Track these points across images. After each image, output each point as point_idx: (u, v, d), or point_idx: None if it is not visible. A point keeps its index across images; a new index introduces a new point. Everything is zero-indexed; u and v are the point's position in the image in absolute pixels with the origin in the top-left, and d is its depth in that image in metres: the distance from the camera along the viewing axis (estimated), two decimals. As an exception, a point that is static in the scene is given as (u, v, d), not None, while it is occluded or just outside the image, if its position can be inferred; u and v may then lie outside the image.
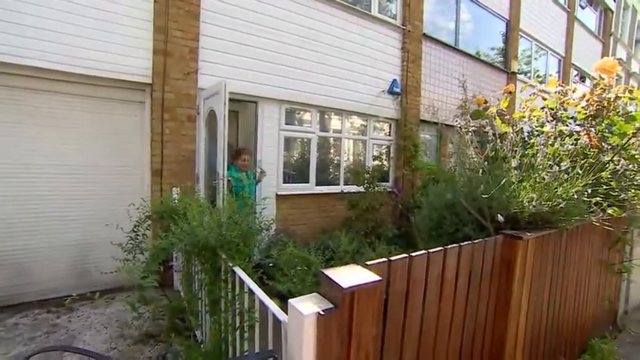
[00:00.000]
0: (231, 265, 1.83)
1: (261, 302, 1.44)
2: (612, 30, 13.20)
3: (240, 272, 1.72)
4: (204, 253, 2.03)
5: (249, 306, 1.62)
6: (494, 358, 1.98)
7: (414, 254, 1.36)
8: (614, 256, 3.30)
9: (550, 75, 10.91)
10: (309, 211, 5.20)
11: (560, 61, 11.17)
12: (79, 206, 3.60)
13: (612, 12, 13.19)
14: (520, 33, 9.18)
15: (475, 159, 2.14)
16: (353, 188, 5.43)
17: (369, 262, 1.20)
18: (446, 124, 6.18)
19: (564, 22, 10.94)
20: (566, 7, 10.88)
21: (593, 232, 2.73)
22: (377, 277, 1.08)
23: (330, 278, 1.05)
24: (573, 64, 11.32)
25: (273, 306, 1.35)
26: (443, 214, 2.39)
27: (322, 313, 0.98)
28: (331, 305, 1.02)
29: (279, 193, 4.85)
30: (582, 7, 11.93)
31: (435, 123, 6.59)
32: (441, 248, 1.49)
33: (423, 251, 1.41)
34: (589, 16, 12.48)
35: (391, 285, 1.30)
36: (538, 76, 8.84)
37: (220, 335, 2.05)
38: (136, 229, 2.77)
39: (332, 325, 1.01)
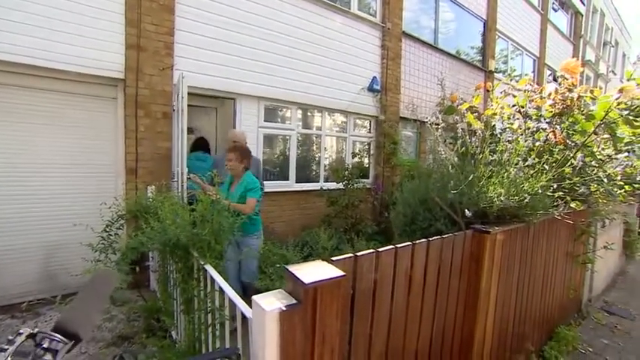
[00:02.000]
0: (202, 263, 1.81)
1: (230, 300, 1.43)
2: (582, 32, 13.73)
3: (211, 270, 1.70)
4: (176, 252, 1.99)
5: (220, 304, 1.61)
6: (464, 350, 2.04)
7: (381, 250, 1.38)
8: (579, 247, 3.45)
9: (525, 74, 11.26)
10: (289, 208, 5.19)
11: (534, 61, 11.54)
12: (49, 206, 3.46)
13: (582, 15, 13.71)
14: (497, 33, 9.42)
15: (445, 155, 2.18)
16: (333, 185, 5.45)
17: (334, 258, 1.21)
18: (426, 121, 6.27)
19: (538, 23, 11.29)
20: (539, 9, 11.23)
21: (560, 225, 2.84)
22: (340, 273, 1.08)
23: (294, 274, 1.05)
24: (547, 65, 11.71)
25: (241, 303, 1.34)
26: (417, 209, 2.43)
27: (285, 308, 0.98)
28: (294, 301, 1.02)
29: (258, 190, 4.80)
30: (555, 10, 12.36)
31: (415, 120, 6.69)
32: (409, 243, 1.52)
33: (390, 247, 1.43)
34: (561, 19, 12.94)
35: (358, 280, 1.31)
36: (510, 75, 9.10)
37: (194, 334, 2.03)
38: (107, 229, 2.69)
39: (295, 321, 1.01)
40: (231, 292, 1.45)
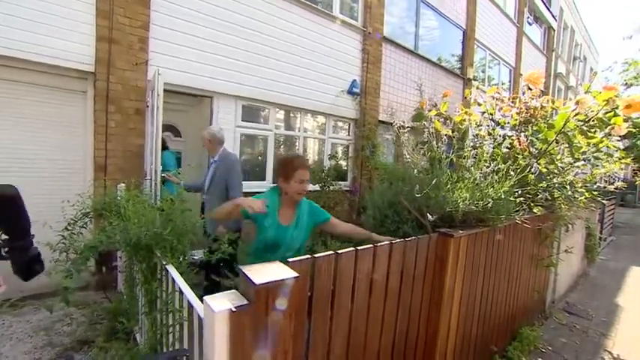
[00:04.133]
0: (165, 263, 1.76)
1: (189, 301, 1.40)
2: (554, 46, 14.36)
3: (173, 271, 1.66)
4: (139, 252, 1.93)
5: (180, 305, 1.57)
6: (428, 350, 2.07)
7: (340, 251, 1.38)
8: (543, 251, 3.59)
9: (502, 83, 11.68)
10: (266, 209, 5.14)
11: (510, 71, 11.96)
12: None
13: (554, 30, 14.35)
14: (476, 42, 9.71)
15: (410, 159, 2.22)
16: (310, 187, 5.43)
17: (291, 260, 1.20)
18: (404, 126, 6.37)
19: (514, 35, 11.73)
20: (516, 22, 11.67)
21: (525, 230, 2.94)
22: (293, 274, 1.08)
23: (246, 274, 1.03)
24: (522, 75, 12.17)
25: (198, 305, 1.31)
26: (385, 212, 2.46)
27: (234, 309, 0.97)
28: (246, 302, 1.01)
29: (234, 190, 4.73)
30: (530, 24, 12.88)
31: (393, 124, 6.78)
32: (370, 246, 1.53)
33: (351, 249, 1.43)
34: (535, 32, 13.50)
35: (317, 281, 1.31)
36: (484, 82, 9.42)
37: (156, 337, 1.97)
38: (69, 227, 2.58)
39: (245, 322, 1.00)
40: (189, 294, 1.42)
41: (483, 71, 10.74)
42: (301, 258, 1.27)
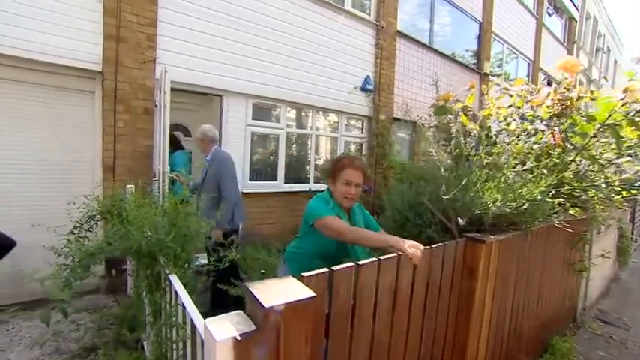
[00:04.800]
0: (167, 272, 1.63)
1: (192, 319, 1.25)
2: (575, 38, 13.77)
3: (176, 281, 1.52)
4: (142, 259, 1.81)
5: (183, 320, 1.43)
6: (455, 366, 1.88)
7: (361, 262, 1.21)
8: (574, 254, 3.32)
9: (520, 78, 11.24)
10: (277, 210, 5.01)
11: (529, 64, 11.51)
12: (17, 205, 3.24)
13: (576, 21, 13.75)
14: (493, 35, 9.36)
15: (436, 157, 2.02)
16: (324, 187, 5.27)
17: (305, 274, 1.04)
18: (420, 123, 6.15)
19: (533, 27, 11.27)
20: (535, 13, 11.21)
21: (556, 232, 2.71)
22: (310, 293, 0.91)
23: (253, 295, 0.88)
24: (541, 69, 11.70)
25: (200, 324, 1.16)
26: (406, 215, 2.27)
27: (239, 337, 0.81)
28: (253, 327, 0.85)
29: (244, 191, 4.61)
30: (549, 15, 12.36)
31: (408, 121, 6.55)
32: (394, 254, 1.35)
33: (373, 259, 1.26)
34: (555, 24, 12.96)
35: (335, 297, 1.14)
36: (506, 75, 9.05)
37: (160, 349, 1.84)
38: (75, 231, 2.49)
39: (252, 351, 0.84)
40: (192, 311, 1.27)
41: (499, 66, 10.35)
42: (317, 272, 1.10)
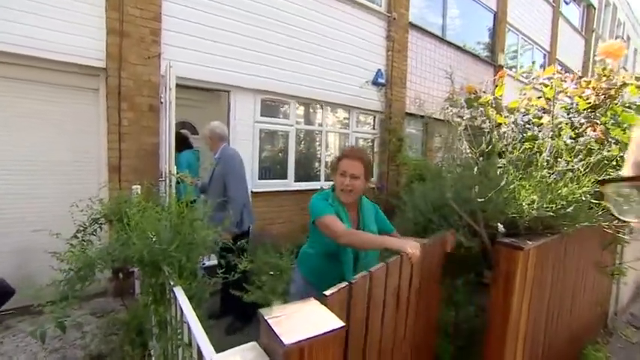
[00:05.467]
0: (172, 283, 1.49)
1: (198, 345, 1.10)
2: (594, 26, 13.24)
3: (181, 295, 1.37)
4: (145, 268, 1.67)
5: (189, 340, 1.28)
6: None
7: (373, 269, 1.04)
8: (606, 257, 3.10)
9: (535, 70, 10.84)
10: (288, 209, 4.86)
11: (545, 55, 11.10)
12: (20, 207, 3.15)
13: (594, 8, 13.22)
14: (507, 26, 9.01)
15: (468, 154, 1.83)
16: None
17: (328, 293, 0.88)
18: (433, 118, 5.92)
19: (550, 16, 10.85)
20: (551, 1, 10.78)
21: (590, 234, 2.50)
22: (338, 323, 0.75)
23: (270, 326, 0.72)
24: (558, 60, 11.27)
25: (208, 353, 1.00)
26: (429, 216, 2.09)
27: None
28: (270, 368, 0.70)
29: (253, 190, 4.47)
30: (567, 3, 11.88)
31: (422, 116, 6.32)
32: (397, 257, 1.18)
33: (382, 264, 1.09)
34: (573, 12, 12.46)
35: (352, 312, 0.98)
36: (530, 69, 8.71)
37: (167, 365, 1.71)
38: (78, 235, 2.37)
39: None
40: (198, 334, 1.12)
41: (513, 58, 9.98)
42: (339, 287, 0.94)
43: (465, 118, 1.90)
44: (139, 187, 3.36)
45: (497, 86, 2.16)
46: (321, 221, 1.60)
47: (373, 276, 1.09)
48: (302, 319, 0.77)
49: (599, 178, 1.80)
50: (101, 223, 2.58)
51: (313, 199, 1.76)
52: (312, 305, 0.84)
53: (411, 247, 1.33)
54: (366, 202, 1.91)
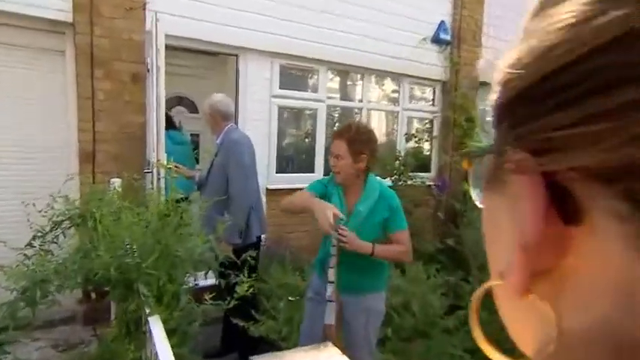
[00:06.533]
0: (147, 312, 1.41)
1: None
2: None
3: (157, 330, 1.28)
4: (114, 290, 1.62)
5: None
6: None
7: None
8: None
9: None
10: (314, 213, 4.77)
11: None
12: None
13: None
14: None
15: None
16: (377, 179, 5.01)
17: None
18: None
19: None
20: None
21: None
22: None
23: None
24: None
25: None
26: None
27: None
28: None
29: (269, 187, 4.46)
30: None
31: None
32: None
33: None
34: None
35: None
36: None
37: None
38: (34, 243, 2.39)
39: None
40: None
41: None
42: None
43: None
44: (118, 180, 3.39)
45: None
46: None
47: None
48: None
49: None
50: (65, 227, 2.60)
51: None
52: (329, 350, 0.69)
53: (321, 213, 1.88)
54: (372, 188, 2.19)
